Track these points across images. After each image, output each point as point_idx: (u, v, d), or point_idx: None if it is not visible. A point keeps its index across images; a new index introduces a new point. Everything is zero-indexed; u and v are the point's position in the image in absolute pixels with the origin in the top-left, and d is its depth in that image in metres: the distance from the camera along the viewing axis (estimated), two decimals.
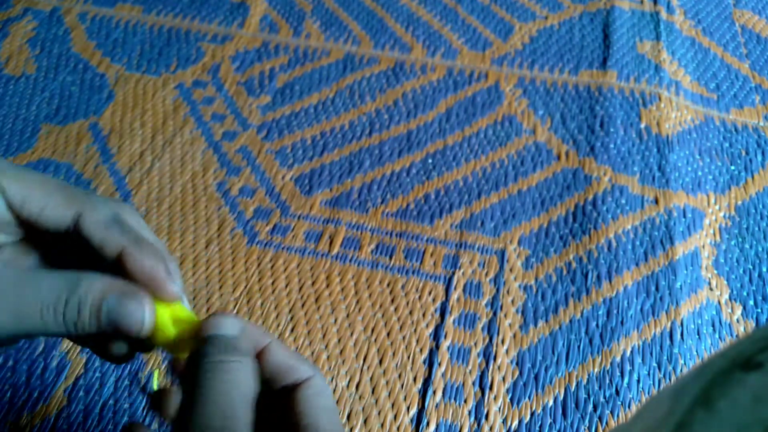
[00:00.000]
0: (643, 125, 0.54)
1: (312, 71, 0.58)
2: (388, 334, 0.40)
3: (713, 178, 0.50)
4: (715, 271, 0.44)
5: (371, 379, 0.38)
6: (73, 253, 0.23)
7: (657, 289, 0.43)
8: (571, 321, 0.41)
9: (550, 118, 0.54)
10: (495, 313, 0.41)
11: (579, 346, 0.40)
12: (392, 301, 0.41)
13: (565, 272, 0.43)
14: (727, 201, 0.49)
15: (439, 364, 0.38)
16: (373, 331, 0.40)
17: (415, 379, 0.38)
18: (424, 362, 0.39)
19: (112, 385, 0.37)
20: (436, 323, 0.40)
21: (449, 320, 0.41)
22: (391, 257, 0.44)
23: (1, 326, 0.19)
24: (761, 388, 0.14)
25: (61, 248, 0.23)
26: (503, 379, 0.38)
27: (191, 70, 0.57)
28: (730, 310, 0.42)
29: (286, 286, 0.42)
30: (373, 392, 0.37)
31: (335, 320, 0.40)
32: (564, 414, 0.37)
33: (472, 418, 0.36)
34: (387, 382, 0.38)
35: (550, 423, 0.36)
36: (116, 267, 0.21)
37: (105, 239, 0.21)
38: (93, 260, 0.22)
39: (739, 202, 0.49)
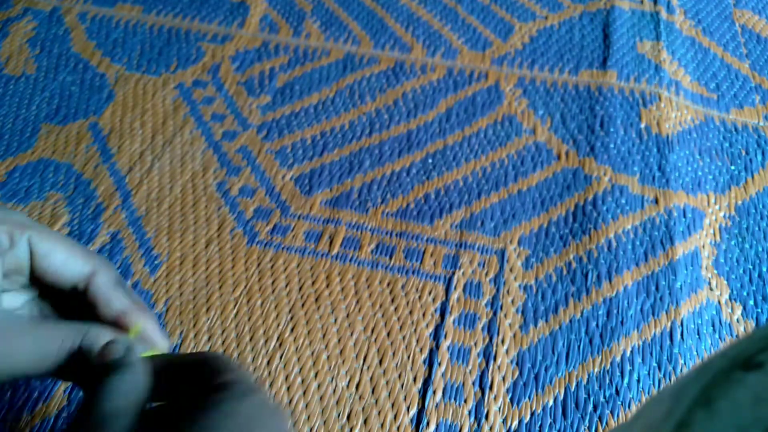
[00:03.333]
0: (643, 125, 0.54)
1: (312, 71, 0.58)
2: (388, 334, 0.40)
3: (713, 178, 0.50)
4: (715, 271, 0.44)
5: (371, 379, 0.38)
6: (72, 310, 0.26)
7: (657, 289, 0.43)
8: (571, 321, 0.41)
9: (550, 118, 0.54)
10: (495, 313, 0.41)
11: (579, 346, 0.40)
12: (392, 301, 0.41)
13: (565, 272, 0.43)
14: (727, 201, 0.49)
15: (439, 364, 0.39)
16: (373, 331, 0.40)
17: (415, 379, 0.38)
18: (424, 362, 0.39)
19: None
20: (436, 323, 0.40)
21: (449, 320, 0.41)
22: (391, 257, 0.44)
23: (21, 363, 0.22)
24: (761, 388, 0.14)
25: (62, 304, 0.26)
26: (503, 379, 0.38)
27: (191, 70, 0.57)
28: (730, 310, 0.42)
29: (286, 286, 0.42)
30: (373, 392, 0.37)
31: (335, 320, 0.40)
32: (564, 414, 0.37)
33: (472, 418, 0.36)
34: (387, 382, 0.38)
35: (550, 423, 0.36)
36: (113, 324, 0.25)
37: (112, 298, 0.25)
38: (89, 317, 0.25)
39: (739, 202, 0.49)
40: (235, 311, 0.41)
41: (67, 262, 0.25)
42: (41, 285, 0.25)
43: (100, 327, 0.24)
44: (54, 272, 0.24)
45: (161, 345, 0.25)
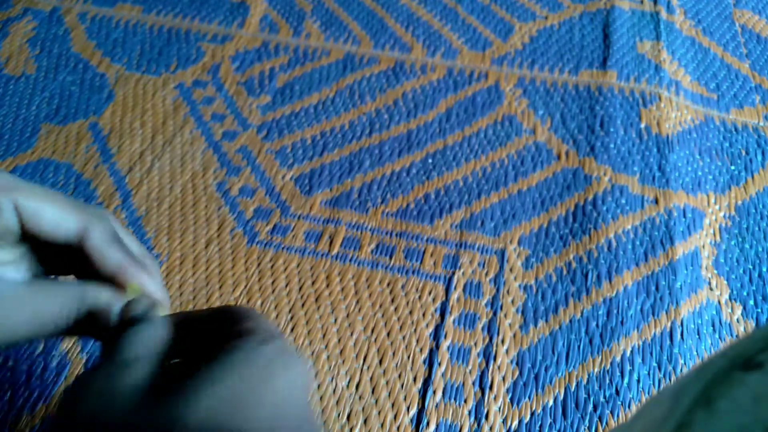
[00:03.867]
0: (643, 125, 0.54)
1: (312, 71, 0.58)
2: (388, 334, 0.40)
3: (713, 178, 0.50)
4: (715, 271, 0.44)
5: (371, 379, 0.38)
6: (69, 266, 0.25)
7: (657, 289, 0.43)
8: (571, 321, 0.41)
9: (550, 118, 0.54)
10: (495, 313, 0.41)
11: (579, 346, 0.40)
12: (392, 301, 0.41)
13: (565, 272, 0.43)
14: (727, 201, 0.49)
15: (439, 364, 0.39)
16: (373, 331, 0.40)
17: (415, 379, 0.38)
18: (424, 362, 0.39)
19: None
20: (436, 323, 0.40)
21: (449, 320, 0.41)
22: (391, 257, 0.44)
23: (20, 331, 0.22)
24: (761, 388, 0.14)
25: (58, 262, 0.25)
26: (503, 379, 0.38)
27: (191, 70, 0.57)
28: (730, 310, 0.42)
29: (286, 286, 0.42)
30: (373, 392, 0.37)
31: (335, 320, 0.40)
32: (564, 414, 0.37)
33: (472, 418, 0.36)
34: (387, 382, 0.38)
35: (550, 423, 0.36)
36: (110, 280, 0.24)
37: (106, 255, 0.24)
38: (87, 273, 0.24)
39: (739, 202, 0.49)
40: None
41: (57, 220, 0.23)
42: (39, 245, 0.25)
43: (98, 286, 0.23)
44: (46, 232, 0.23)
45: (161, 300, 0.25)
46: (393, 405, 0.37)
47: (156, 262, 0.27)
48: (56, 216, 0.23)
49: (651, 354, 0.39)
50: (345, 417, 0.36)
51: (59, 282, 0.23)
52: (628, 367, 0.39)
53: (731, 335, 0.41)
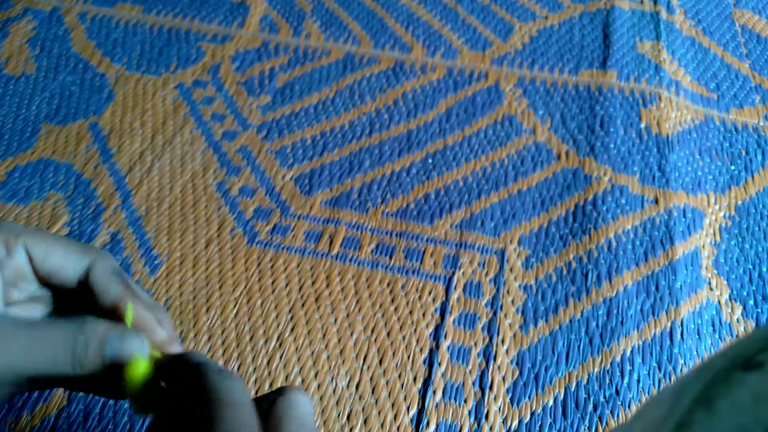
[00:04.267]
0: (643, 125, 0.54)
1: (312, 71, 0.58)
2: (388, 334, 0.40)
3: (713, 178, 0.50)
4: (715, 271, 0.44)
5: (371, 379, 0.38)
6: (77, 306, 0.26)
7: (657, 289, 0.43)
8: (571, 321, 0.41)
9: (550, 118, 0.54)
10: (495, 313, 0.41)
11: (579, 346, 0.40)
12: (392, 301, 0.41)
13: (565, 272, 0.43)
14: (727, 201, 0.49)
15: (439, 364, 0.39)
16: (373, 331, 0.40)
17: (415, 379, 0.38)
18: (424, 362, 0.39)
19: None
20: (436, 323, 0.40)
21: (449, 320, 0.41)
22: (391, 257, 0.44)
23: (16, 368, 0.22)
24: (761, 388, 0.14)
25: (68, 301, 0.26)
26: (503, 379, 0.38)
27: (191, 70, 0.57)
28: (730, 310, 0.42)
29: (286, 286, 0.42)
30: (373, 392, 0.37)
31: (335, 320, 0.40)
32: (564, 414, 0.37)
33: (472, 418, 0.36)
34: (387, 382, 0.38)
35: (550, 423, 0.36)
36: (112, 314, 0.25)
37: (107, 287, 0.25)
38: (94, 311, 0.25)
39: (739, 202, 0.49)
40: (235, 311, 0.41)
41: (65, 260, 0.25)
42: (54, 289, 0.26)
43: (96, 318, 0.24)
44: (56, 272, 0.25)
45: (157, 335, 0.25)
46: (393, 405, 0.37)
47: (165, 309, 0.28)
48: (64, 256, 0.25)
49: (651, 354, 0.39)
50: (345, 417, 0.36)
51: (59, 318, 0.24)
52: (628, 367, 0.39)
53: (731, 335, 0.41)
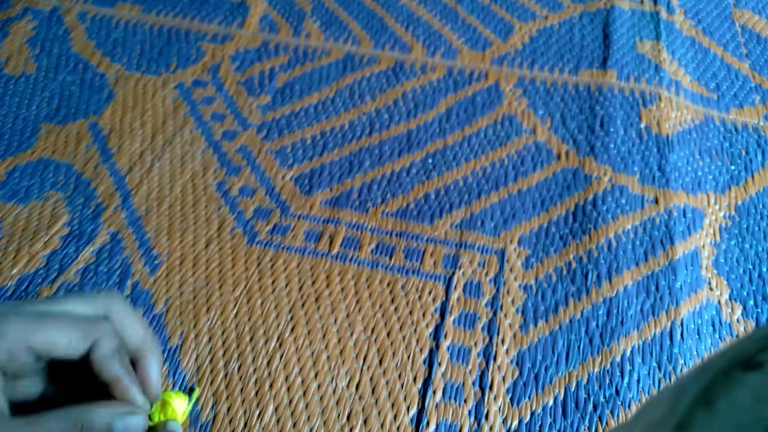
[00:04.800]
0: (643, 125, 0.54)
1: (312, 71, 0.58)
2: (388, 334, 0.40)
3: (713, 178, 0.50)
4: (715, 271, 0.44)
5: (371, 379, 0.38)
6: (78, 377, 0.28)
7: (657, 289, 0.43)
8: (571, 321, 0.41)
9: (550, 118, 0.54)
10: (495, 313, 0.41)
11: (579, 346, 0.40)
12: (392, 301, 0.41)
13: (565, 272, 0.43)
14: (727, 201, 0.49)
15: (439, 364, 0.39)
16: (373, 331, 0.40)
17: (415, 379, 0.38)
18: (424, 362, 0.39)
19: None
20: (436, 323, 0.40)
21: (449, 320, 0.41)
22: (391, 257, 0.44)
23: None
24: (761, 388, 0.14)
25: (73, 371, 0.28)
26: (503, 379, 0.38)
27: (191, 70, 0.57)
28: (730, 310, 0.42)
29: (286, 285, 0.42)
30: (373, 392, 0.37)
31: (335, 320, 0.40)
32: (564, 414, 0.37)
33: (472, 418, 0.36)
34: (387, 382, 0.38)
35: (550, 423, 0.36)
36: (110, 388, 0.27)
37: (105, 370, 0.27)
38: (95, 383, 0.27)
39: (739, 202, 0.49)
40: (235, 311, 0.41)
41: (69, 346, 0.27)
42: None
43: (94, 406, 0.26)
44: (60, 356, 0.27)
45: (152, 397, 0.28)
46: (393, 405, 0.37)
47: (158, 345, 0.30)
48: (67, 343, 0.26)
49: (651, 354, 0.39)
50: (345, 417, 0.36)
51: (57, 409, 0.25)
52: (628, 367, 0.39)
53: (731, 335, 0.41)
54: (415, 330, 0.40)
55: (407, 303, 0.41)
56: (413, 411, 0.37)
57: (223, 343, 0.39)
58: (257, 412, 0.36)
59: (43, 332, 0.26)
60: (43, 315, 0.27)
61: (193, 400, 0.28)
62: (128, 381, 0.27)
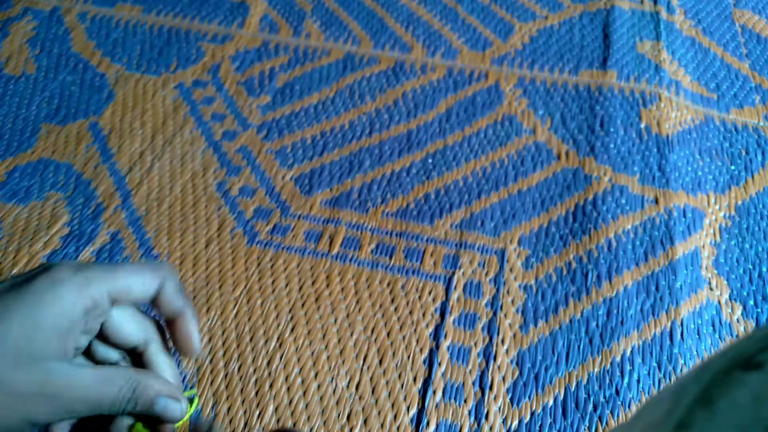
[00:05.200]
0: (643, 125, 0.54)
1: (312, 71, 0.58)
2: (388, 334, 0.40)
3: (713, 178, 0.50)
4: (715, 271, 0.44)
5: (371, 379, 0.38)
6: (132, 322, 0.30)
7: (657, 289, 0.43)
8: (571, 321, 0.41)
9: (550, 118, 0.54)
10: (495, 313, 0.41)
11: (579, 346, 0.40)
12: (392, 301, 0.41)
13: (565, 272, 0.43)
14: (727, 201, 0.49)
15: (439, 364, 0.38)
16: (373, 331, 0.40)
17: (415, 379, 0.38)
18: (424, 362, 0.39)
19: None
20: (436, 323, 0.40)
21: (449, 320, 0.41)
22: (391, 257, 0.44)
23: (77, 408, 0.26)
24: (761, 388, 0.14)
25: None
26: (503, 379, 0.38)
27: (191, 70, 0.57)
28: (730, 310, 0.42)
29: (286, 285, 0.42)
30: (373, 392, 0.37)
31: (335, 320, 0.40)
32: (564, 414, 0.37)
33: (472, 418, 0.36)
34: (387, 382, 0.38)
35: (550, 423, 0.36)
36: (167, 324, 0.29)
37: (174, 303, 0.29)
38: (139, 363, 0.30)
39: (739, 202, 0.49)
40: (235, 311, 0.41)
41: (132, 333, 0.29)
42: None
43: (150, 377, 0.28)
44: (121, 339, 0.28)
45: (195, 349, 0.30)
46: (393, 405, 0.37)
47: (197, 312, 0.32)
48: (142, 284, 0.28)
49: (651, 354, 0.39)
50: (345, 417, 0.36)
51: (120, 368, 0.28)
52: (628, 367, 0.39)
53: (731, 335, 0.41)
54: (415, 330, 0.40)
55: (407, 303, 0.41)
56: (413, 411, 0.37)
57: (223, 343, 0.39)
58: (257, 412, 0.36)
59: (120, 277, 0.28)
60: (114, 265, 0.29)
61: (192, 410, 0.29)
62: (192, 315, 0.30)
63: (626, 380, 0.38)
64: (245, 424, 0.36)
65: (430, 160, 0.50)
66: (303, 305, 0.41)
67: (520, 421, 0.36)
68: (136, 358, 0.30)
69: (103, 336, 0.29)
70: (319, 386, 0.37)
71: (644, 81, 0.57)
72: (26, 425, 0.25)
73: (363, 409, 0.37)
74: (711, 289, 0.43)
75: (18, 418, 0.25)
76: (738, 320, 0.42)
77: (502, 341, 0.40)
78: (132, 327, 0.29)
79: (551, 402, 0.37)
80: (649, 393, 0.38)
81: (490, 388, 0.38)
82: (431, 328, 0.40)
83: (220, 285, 0.42)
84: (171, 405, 0.28)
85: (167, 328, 0.30)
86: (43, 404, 0.25)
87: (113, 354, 0.30)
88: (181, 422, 0.30)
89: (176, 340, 0.30)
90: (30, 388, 0.25)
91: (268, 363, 0.38)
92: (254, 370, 0.38)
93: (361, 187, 0.48)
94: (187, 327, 0.30)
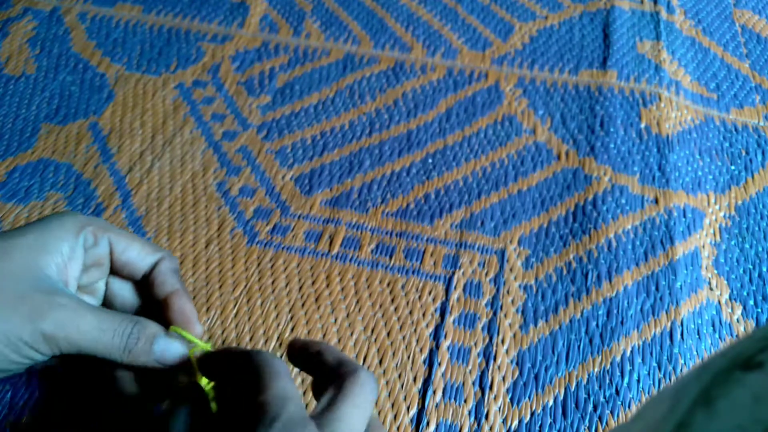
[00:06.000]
0: (643, 125, 0.54)
1: (312, 71, 0.58)
2: (388, 334, 0.40)
3: (713, 178, 0.50)
4: (715, 271, 0.44)
5: None
6: (136, 293, 0.32)
7: (657, 288, 0.43)
8: (571, 321, 0.41)
9: (550, 118, 0.54)
10: (495, 313, 0.41)
11: (579, 346, 0.40)
12: (392, 301, 0.41)
13: (565, 272, 0.43)
14: (727, 201, 0.49)
15: (439, 364, 0.39)
16: (373, 331, 0.40)
17: (415, 379, 0.38)
18: (424, 362, 0.39)
19: None
20: (436, 323, 0.40)
21: (449, 320, 0.41)
22: (391, 257, 0.44)
23: (79, 344, 0.26)
24: (761, 388, 0.14)
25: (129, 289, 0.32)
26: (503, 379, 0.38)
27: (191, 70, 0.57)
28: (730, 310, 0.42)
29: (286, 285, 0.42)
30: None
31: (335, 320, 0.40)
32: (564, 414, 0.37)
33: (472, 418, 0.36)
34: (387, 382, 0.38)
35: (550, 423, 0.36)
36: (162, 304, 0.30)
37: (166, 281, 0.30)
38: (147, 300, 0.31)
39: (739, 202, 0.49)
40: (235, 311, 0.41)
41: (140, 254, 0.30)
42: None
43: (149, 321, 0.29)
44: (130, 263, 0.30)
45: (196, 330, 0.30)
46: (393, 405, 0.37)
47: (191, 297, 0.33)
48: (140, 251, 0.30)
49: (651, 354, 0.39)
50: None
51: (121, 313, 0.28)
52: (628, 367, 0.39)
53: (731, 335, 0.41)
54: (415, 330, 0.40)
55: (407, 303, 0.41)
56: (413, 411, 0.37)
57: (223, 343, 0.39)
58: None
59: (123, 234, 0.30)
60: (121, 229, 0.31)
61: (201, 348, 0.29)
62: (185, 295, 0.30)
63: (626, 380, 0.38)
64: None
65: (430, 160, 0.50)
66: (303, 305, 0.41)
67: (520, 421, 0.36)
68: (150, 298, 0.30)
69: (114, 269, 0.30)
70: None
71: (644, 81, 0.57)
72: (18, 357, 0.26)
73: None
74: (711, 289, 0.43)
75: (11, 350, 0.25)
76: (738, 320, 0.42)
77: (502, 341, 0.40)
78: (136, 249, 0.30)
79: (551, 402, 0.37)
80: (649, 393, 0.38)
81: (490, 388, 0.38)
82: (431, 328, 0.40)
83: (220, 285, 0.42)
84: (171, 344, 0.28)
85: (163, 307, 0.30)
86: (37, 331, 0.25)
87: (128, 295, 0.32)
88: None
89: (172, 319, 0.30)
90: (33, 309, 0.25)
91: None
92: None
93: (361, 187, 0.48)
94: (182, 302, 0.30)
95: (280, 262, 0.43)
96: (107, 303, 0.32)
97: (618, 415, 0.37)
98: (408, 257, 0.44)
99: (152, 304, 0.31)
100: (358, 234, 0.45)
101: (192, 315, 0.30)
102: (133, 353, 0.27)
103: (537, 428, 0.36)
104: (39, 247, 0.27)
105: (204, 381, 0.27)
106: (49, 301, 0.26)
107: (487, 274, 0.43)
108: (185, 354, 0.28)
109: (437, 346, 0.39)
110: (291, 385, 0.24)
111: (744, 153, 0.52)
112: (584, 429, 0.36)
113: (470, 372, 0.38)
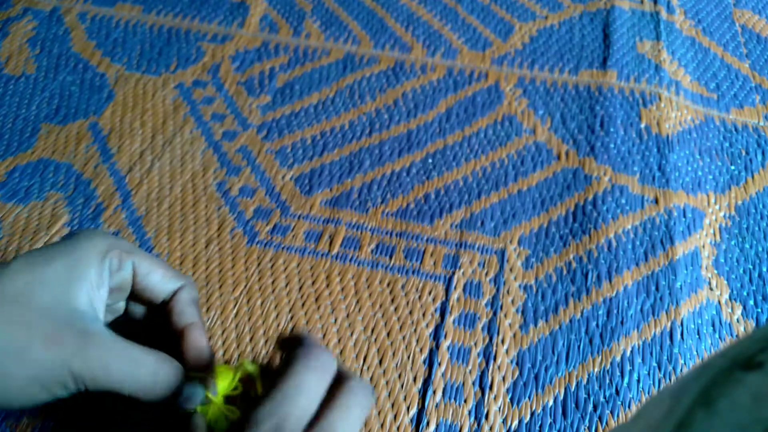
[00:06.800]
0: (643, 125, 0.54)
1: (312, 71, 0.58)
2: (388, 334, 0.40)
3: (713, 178, 0.50)
4: (715, 271, 0.44)
5: (371, 379, 0.38)
6: (151, 320, 0.32)
7: (657, 288, 0.43)
8: (571, 321, 0.41)
9: (550, 118, 0.54)
10: (495, 313, 0.41)
11: (579, 346, 0.40)
12: (392, 301, 0.41)
13: (565, 272, 0.43)
14: (727, 201, 0.49)
15: (439, 364, 0.39)
16: (373, 331, 0.40)
17: (415, 379, 0.38)
18: (424, 362, 0.39)
19: None
20: (436, 323, 0.40)
21: (449, 320, 0.41)
22: (391, 257, 0.44)
23: (105, 386, 0.26)
24: (761, 388, 0.14)
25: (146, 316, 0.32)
26: (503, 379, 0.38)
27: (191, 69, 0.57)
28: (730, 310, 0.42)
29: (286, 285, 0.42)
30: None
31: (335, 320, 0.40)
32: (564, 414, 0.37)
33: (472, 418, 0.36)
34: (387, 382, 0.38)
35: (550, 423, 0.36)
36: (179, 335, 0.30)
37: (185, 312, 0.30)
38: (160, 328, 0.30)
39: (739, 202, 0.49)
40: (235, 311, 0.41)
41: (162, 280, 0.30)
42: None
43: (178, 367, 0.28)
44: (151, 289, 0.30)
45: (207, 365, 0.30)
46: (393, 405, 0.37)
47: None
48: (162, 277, 0.30)
49: (651, 354, 0.39)
50: None
51: (152, 351, 0.28)
52: (628, 367, 0.39)
53: (731, 335, 0.41)
54: (415, 330, 0.40)
55: (407, 303, 0.41)
56: (413, 411, 0.37)
57: (223, 343, 0.39)
58: None
59: (147, 258, 0.29)
60: (145, 252, 0.30)
61: (228, 388, 0.29)
62: (202, 329, 0.30)
63: (626, 380, 0.38)
64: None
65: (430, 160, 0.50)
66: (303, 305, 0.41)
67: (520, 421, 0.36)
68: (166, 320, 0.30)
69: (133, 294, 0.30)
70: None
71: (644, 81, 0.57)
72: (41, 391, 0.25)
73: None
74: (711, 289, 0.43)
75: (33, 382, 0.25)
76: (738, 320, 0.42)
77: (502, 341, 0.40)
78: (158, 275, 0.30)
79: (551, 402, 0.37)
80: (649, 393, 0.38)
81: (490, 388, 0.38)
82: (431, 328, 0.40)
83: (220, 285, 0.42)
84: (196, 390, 0.28)
85: (179, 338, 0.29)
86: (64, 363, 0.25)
87: (139, 312, 0.31)
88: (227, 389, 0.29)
89: (187, 350, 0.29)
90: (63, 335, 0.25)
91: (269, 363, 0.38)
92: None
93: (361, 187, 0.48)
94: (198, 337, 0.29)
95: (280, 262, 0.43)
96: (123, 321, 0.32)
97: (618, 415, 0.37)
98: (408, 257, 0.44)
99: (167, 330, 0.30)
100: (358, 234, 0.45)
101: (206, 352, 0.29)
102: (157, 397, 0.27)
103: (537, 428, 0.36)
104: (69, 279, 0.26)
105: (220, 397, 0.28)
106: (81, 341, 0.25)
107: (487, 274, 0.43)
108: (206, 399, 0.28)
109: (437, 346, 0.39)
110: (306, 382, 0.26)
111: (744, 153, 0.52)
112: (584, 429, 0.36)
113: (470, 372, 0.38)
